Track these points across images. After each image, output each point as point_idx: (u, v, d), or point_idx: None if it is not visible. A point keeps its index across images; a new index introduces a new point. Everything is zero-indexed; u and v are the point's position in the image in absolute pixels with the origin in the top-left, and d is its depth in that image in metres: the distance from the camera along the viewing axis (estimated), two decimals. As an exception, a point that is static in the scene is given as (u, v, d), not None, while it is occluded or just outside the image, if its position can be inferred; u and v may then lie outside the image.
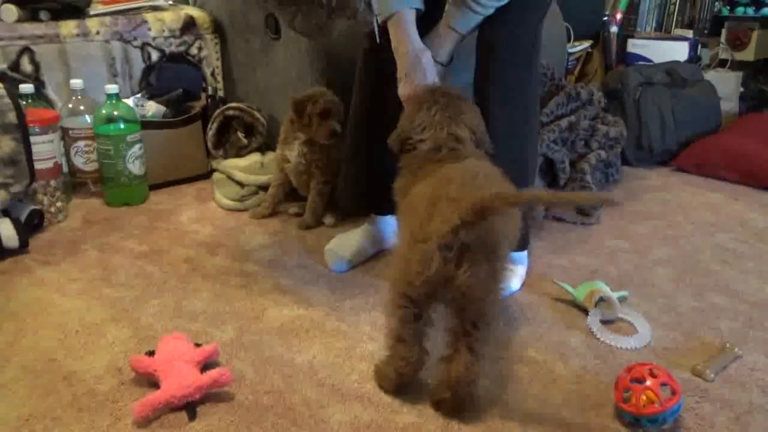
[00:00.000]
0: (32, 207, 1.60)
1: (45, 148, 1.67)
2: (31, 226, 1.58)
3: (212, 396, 1.00)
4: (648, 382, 0.94)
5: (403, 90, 1.26)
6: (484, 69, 1.28)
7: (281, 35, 1.80)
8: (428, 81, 1.23)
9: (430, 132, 1.12)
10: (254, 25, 1.92)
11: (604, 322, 1.23)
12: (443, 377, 0.97)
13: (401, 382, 1.01)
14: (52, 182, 1.68)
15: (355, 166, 1.48)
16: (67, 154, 1.81)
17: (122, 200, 1.79)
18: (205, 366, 1.05)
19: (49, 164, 1.68)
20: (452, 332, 0.96)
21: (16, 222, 1.49)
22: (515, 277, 1.37)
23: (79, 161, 1.82)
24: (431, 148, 1.11)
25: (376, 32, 1.31)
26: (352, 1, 1.14)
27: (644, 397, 0.93)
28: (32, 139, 1.61)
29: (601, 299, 1.25)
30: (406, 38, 1.24)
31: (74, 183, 1.85)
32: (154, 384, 1.01)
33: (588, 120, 1.97)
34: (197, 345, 1.09)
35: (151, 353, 1.06)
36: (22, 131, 1.56)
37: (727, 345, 1.16)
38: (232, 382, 1.03)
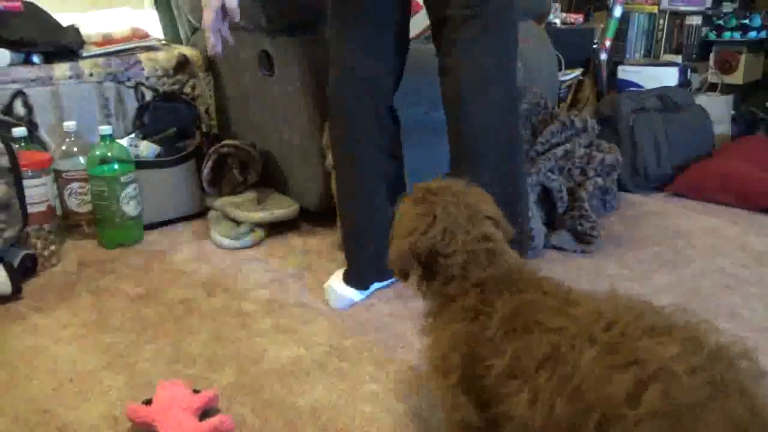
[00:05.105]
0: (25, 251, 1.57)
1: (38, 192, 1.65)
2: (23, 271, 1.55)
3: (212, 444, 0.97)
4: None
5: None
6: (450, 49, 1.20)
7: (275, 72, 1.80)
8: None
9: (453, 238, 0.83)
10: (247, 62, 1.92)
11: (611, 354, 1.21)
12: None
13: None
14: (46, 226, 1.66)
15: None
16: (60, 196, 1.80)
17: (117, 241, 1.77)
18: (205, 413, 1.02)
19: (42, 207, 1.66)
20: None
21: (8, 267, 1.47)
22: None
23: (72, 203, 1.80)
24: (463, 262, 0.82)
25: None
26: None
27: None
28: (25, 182, 1.59)
29: (607, 330, 1.23)
30: None
31: (68, 225, 1.83)
32: (151, 434, 0.98)
33: (583, 148, 1.97)
34: (195, 391, 1.06)
35: (148, 401, 1.03)
36: (15, 175, 1.55)
37: (737, 374, 1.13)
38: (233, 430, 1.00)
